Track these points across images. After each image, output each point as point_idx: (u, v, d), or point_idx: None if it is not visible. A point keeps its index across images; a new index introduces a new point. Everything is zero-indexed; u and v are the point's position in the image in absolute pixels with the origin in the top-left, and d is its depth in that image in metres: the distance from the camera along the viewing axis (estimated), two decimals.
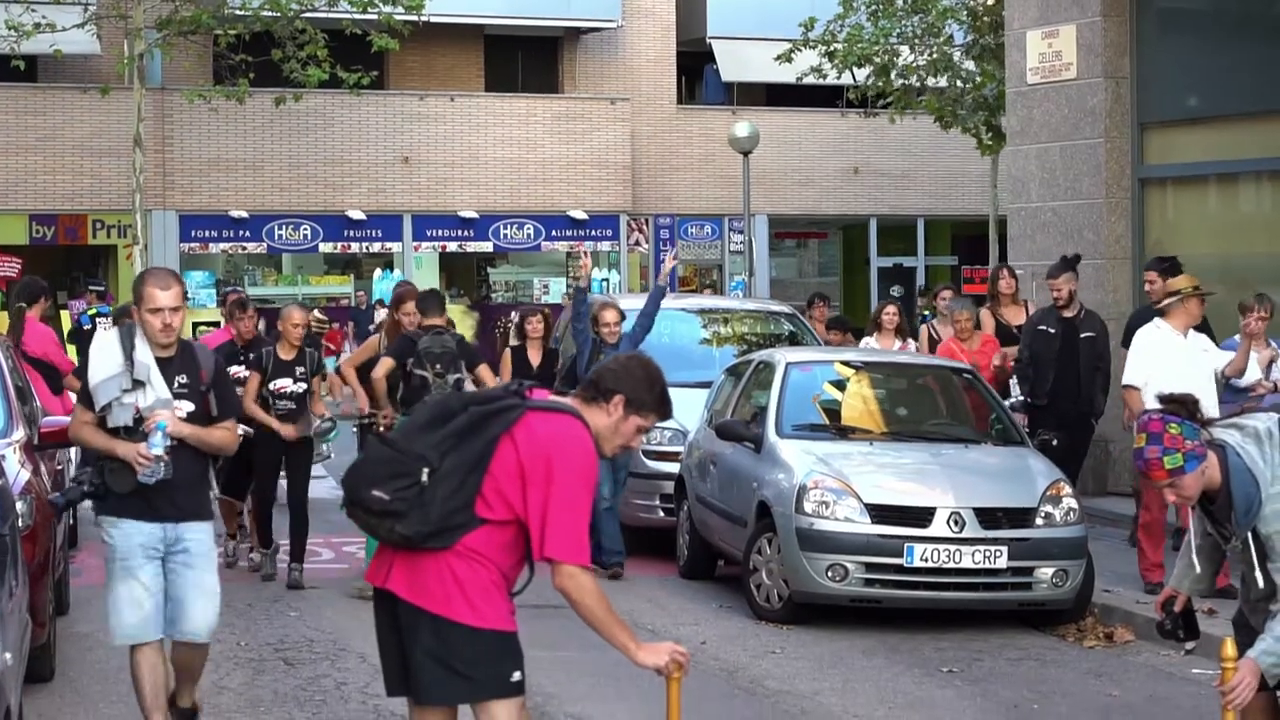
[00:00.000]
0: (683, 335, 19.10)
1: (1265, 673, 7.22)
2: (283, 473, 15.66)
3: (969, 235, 41.98)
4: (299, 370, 15.43)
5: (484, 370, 15.39)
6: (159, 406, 9.04)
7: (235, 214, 38.35)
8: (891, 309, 19.44)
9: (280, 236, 39.05)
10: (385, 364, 15.38)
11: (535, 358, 17.24)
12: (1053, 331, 16.61)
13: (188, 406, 9.18)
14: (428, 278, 37.60)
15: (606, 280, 40.75)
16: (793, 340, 19.10)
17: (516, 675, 6.87)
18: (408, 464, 6.77)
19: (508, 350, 17.91)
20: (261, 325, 16.90)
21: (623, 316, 16.51)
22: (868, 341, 19.13)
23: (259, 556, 15.72)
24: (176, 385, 9.17)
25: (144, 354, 9.08)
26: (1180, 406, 7.25)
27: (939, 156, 41.72)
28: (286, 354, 15.46)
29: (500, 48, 42.22)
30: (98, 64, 37.42)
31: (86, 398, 9.20)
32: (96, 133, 37.00)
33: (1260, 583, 7.29)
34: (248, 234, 38.72)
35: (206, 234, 38.39)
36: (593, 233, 40.97)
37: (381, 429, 14.99)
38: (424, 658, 6.84)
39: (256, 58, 32.25)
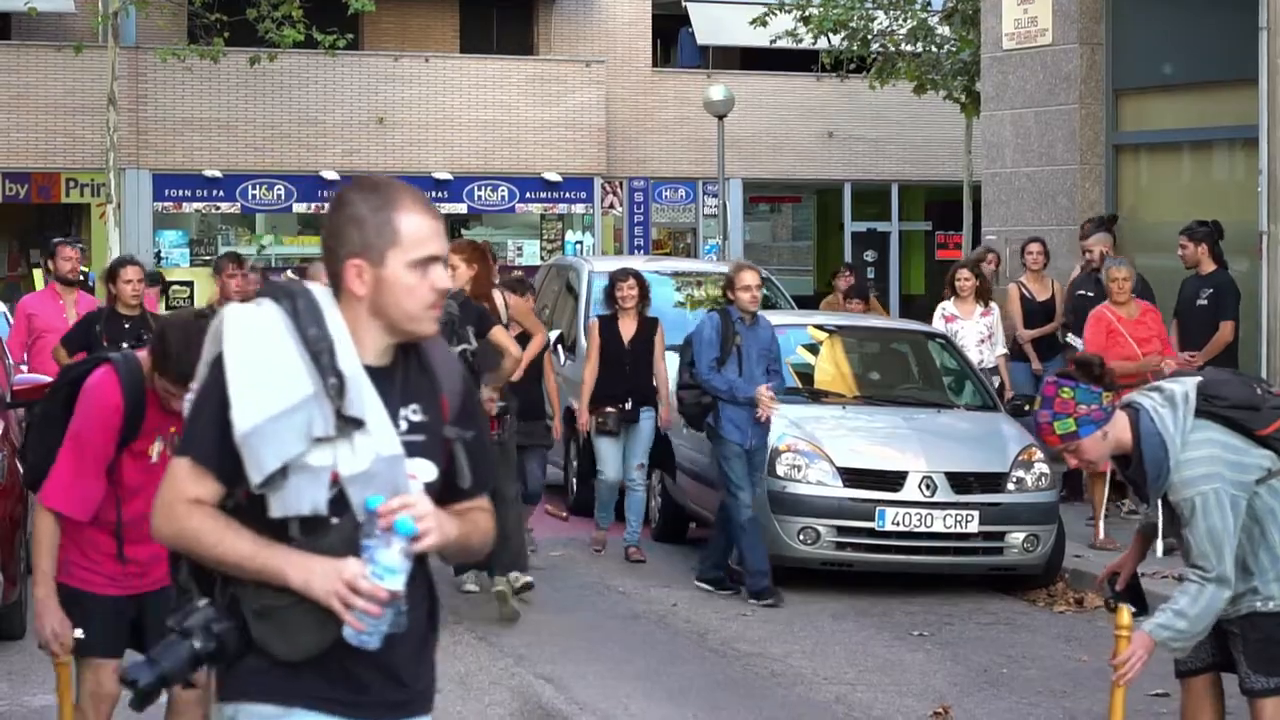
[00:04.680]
0: (656, 298, 19.00)
1: (1163, 646, 7.15)
2: None
3: (943, 201, 41.95)
4: None
5: (499, 334, 12.23)
6: (385, 475, 4.26)
7: (209, 173, 38.20)
8: (965, 272, 17.37)
9: (254, 196, 38.92)
10: None
11: (629, 328, 15.13)
12: (1091, 295, 16.27)
13: (427, 472, 4.36)
14: None
15: (580, 243, 40.71)
16: (765, 304, 19.06)
17: (75, 632, 6.88)
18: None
19: (595, 320, 15.59)
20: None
21: (765, 281, 14.12)
22: (944, 307, 17.34)
23: None
24: (404, 425, 4.37)
25: (349, 361, 4.30)
26: (1084, 370, 7.06)
27: (913, 122, 41.64)
28: None
29: (475, 9, 42.06)
30: (72, 21, 37.23)
31: (200, 444, 4.30)
32: (70, 91, 36.80)
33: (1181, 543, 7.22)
34: (221, 193, 38.57)
35: (180, 193, 38.24)
36: (567, 195, 40.90)
37: None
38: None
39: (231, 17, 32.14)
